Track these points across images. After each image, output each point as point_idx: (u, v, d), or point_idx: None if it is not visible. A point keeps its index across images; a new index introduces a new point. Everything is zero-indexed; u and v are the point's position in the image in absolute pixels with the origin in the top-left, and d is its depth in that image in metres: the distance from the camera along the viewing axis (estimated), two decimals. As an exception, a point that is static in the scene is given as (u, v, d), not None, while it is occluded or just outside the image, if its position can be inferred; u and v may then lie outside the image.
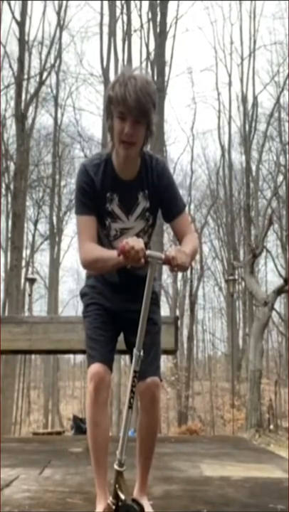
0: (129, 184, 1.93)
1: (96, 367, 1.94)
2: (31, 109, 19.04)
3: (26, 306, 20.60)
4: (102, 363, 1.95)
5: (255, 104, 21.44)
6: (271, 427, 17.04)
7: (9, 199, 20.56)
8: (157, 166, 1.96)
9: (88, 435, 1.99)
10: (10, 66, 18.15)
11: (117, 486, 1.83)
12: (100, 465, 1.99)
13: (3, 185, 20.04)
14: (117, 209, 1.94)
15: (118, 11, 18.87)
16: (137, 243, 1.74)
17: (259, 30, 30.56)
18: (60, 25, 19.70)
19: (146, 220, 1.98)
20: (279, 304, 23.14)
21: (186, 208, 2.05)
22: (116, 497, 1.83)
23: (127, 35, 18.10)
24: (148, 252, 1.78)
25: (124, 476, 1.85)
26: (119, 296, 2.05)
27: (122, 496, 1.80)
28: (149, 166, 1.95)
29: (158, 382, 1.99)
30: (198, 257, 26.56)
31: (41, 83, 18.77)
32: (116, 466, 1.86)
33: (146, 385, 1.95)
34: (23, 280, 19.40)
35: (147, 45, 18.09)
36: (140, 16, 18.84)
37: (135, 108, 1.78)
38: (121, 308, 2.05)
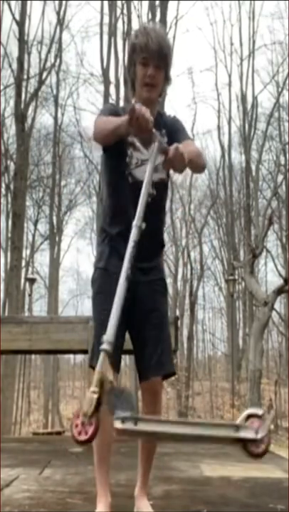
0: None
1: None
2: (31, 109, 19.03)
3: (26, 306, 20.60)
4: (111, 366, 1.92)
5: (254, 105, 21.45)
6: (271, 426, 17.05)
7: (9, 199, 20.56)
8: (169, 118, 2.16)
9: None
10: (10, 66, 18.16)
11: (103, 368, 1.54)
12: (103, 461, 1.97)
13: (3, 185, 20.05)
14: (137, 141, 1.99)
15: (118, 11, 18.87)
16: (148, 113, 1.81)
17: (259, 30, 30.54)
18: (60, 25, 19.69)
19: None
20: (279, 304, 23.15)
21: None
22: (101, 384, 1.52)
23: (127, 35, 18.09)
24: (154, 130, 1.86)
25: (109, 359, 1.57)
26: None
27: (111, 379, 1.54)
28: (164, 115, 2.16)
29: (160, 380, 2.01)
30: (198, 256, 26.62)
31: (41, 83, 18.76)
32: (103, 346, 1.57)
33: (149, 384, 1.96)
34: (23, 280, 19.39)
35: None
36: (140, 16, 18.83)
37: (157, 52, 1.98)
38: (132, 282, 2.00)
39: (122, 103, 18.06)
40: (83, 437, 1.45)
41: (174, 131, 2.08)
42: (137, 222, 1.75)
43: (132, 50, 2.05)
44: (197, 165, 1.99)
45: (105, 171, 2.14)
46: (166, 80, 2.07)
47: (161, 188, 2.05)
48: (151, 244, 2.03)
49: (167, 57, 2.02)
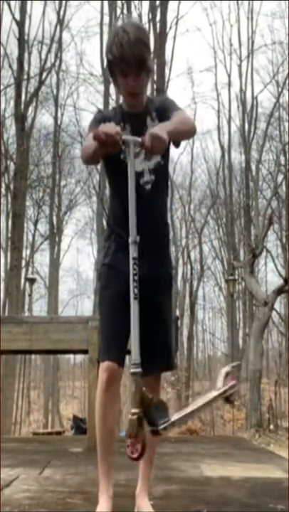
0: (138, 114, 2.10)
1: (110, 363, 1.95)
2: (31, 109, 19.03)
3: (26, 306, 20.60)
4: (115, 361, 1.95)
5: (254, 105, 21.45)
6: (271, 427, 17.04)
7: (9, 199, 20.56)
8: (159, 100, 2.19)
9: (96, 420, 1.98)
10: (10, 66, 18.16)
11: (137, 389, 1.74)
12: (107, 452, 1.98)
13: (3, 185, 20.04)
14: (130, 137, 2.02)
15: (118, 11, 18.86)
16: (111, 128, 1.85)
17: (260, 29, 30.48)
18: (60, 25, 19.68)
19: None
20: (279, 304, 23.16)
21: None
22: (140, 404, 1.72)
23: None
24: (124, 136, 1.90)
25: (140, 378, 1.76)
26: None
27: (149, 396, 1.74)
28: (153, 100, 2.17)
29: (159, 377, 2.05)
30: (198, 256, 26.61)
31: (41, 83, 18.75)
32: (132, 369, 1.75)
33: (148, 380, 1.96)
34: (23, 280, 19.39)
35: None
36: (140, 16, 18.81)
37: (134, 61, 1.94)
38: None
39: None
40: (135, 455, 1.71)
41: (163, 110, 2.10)
42: (131, 239, 1.84)
43: (108, 63, 2.03)
44: (182, 133, 2.03)
45: (105, 169, 2.20)
46: (148, 73, 2.04)
47: (158, 170, 2.09)
48: (156, 233, 2.07)
49: (145, 60, 1.98)
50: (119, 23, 2.08)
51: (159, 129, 1.88)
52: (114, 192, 2.16)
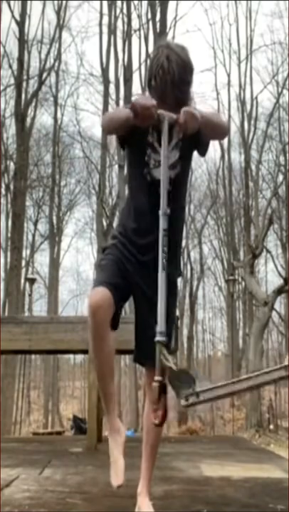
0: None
1: (100, 288, 1.90)
2: (31, 108, 19.04)
3: (26, 306, 20.60)
4: (107, 288, 1.89)
5: (253, 105, 21.46)
6: (271, 427, 17.05)
7: (9, 199, 20.56)
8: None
9: (92, 351, 1.97)
10: (10, 66, 18.16)
11: (161, 357, 1.77)
12: (108, 383, 1.99)
13: (3, 185, 20.04)
14: (156, 143, 2.03)
15: (118, 11, 18.87)
16: (148, 100, 1.86)
17: (260, 29, 30.48)
18: (60, 25, 19.68)
19: (179, 150, 2.07)
20: (279, 304, 23.15)
21: None
22: (162, 372, 1.77)
23: (127, 35, 18.10)
24: (160, 110, 1.90)
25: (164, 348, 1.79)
26: (143, 260, 2.03)
27: (171, 365, 1.75)
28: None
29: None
30: (198, 256, 26.64)
31: (41, 83, 18.76)
32: (157, 338, 1.79)
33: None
34: (23, 280, 19.39)
35: (147, 46, 18.10)
36: (139, 16, 18.83)
37: (172, 101, 1.94)
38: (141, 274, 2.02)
39: (121, 103, 18.07)
40: (157, 421, 1.76)
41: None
42: (162, 211, 1.89)
43: (148, 82, 2.02)
44: (214, 124, 2.03)
45: (127, 167, 2.20)
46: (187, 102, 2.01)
47: (177, 181, 2.06)
48: (170, 244, 2.00)
49: (184, 100, 1.97)
50: (165, 43, 2.02)
51: (193, 109, 1.92)
52: (132, 188, 2.12)
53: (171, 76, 1.92)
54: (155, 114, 1.88)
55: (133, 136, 2.02)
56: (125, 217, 2.12)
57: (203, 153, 2.14)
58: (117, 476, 1.96)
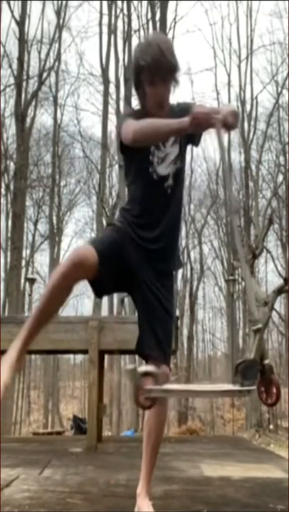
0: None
1: (87, 247, 1.90)
2: (31, 108, 19.03)
3: (26, 306, 20.60)
4: (97, 251, 1.87)
5: (253, 105, 21.45)
6: (271, 427, 17.05)
7: (9, 199, 20.56)
8: (182, 104, 2.17)
9: (49, 287, 1.93)
10: (10, 66, 18.16)
11: (259, 344, 1.87)
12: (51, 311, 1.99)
13: (3, 185, 20.04)
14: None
15: (118, 11, 18.87)
16: (205, 109, 1.92)
17: (259, 30, 30.60)
18: (60, 25, 19.68)
19: (179, 144, 2.12)
20: (279, 304, 23.15)
21: None
22: (261, 357, 1.88)
23: (127, 35, 18.10)
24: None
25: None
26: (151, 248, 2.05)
27: (256, 355, 1.85)
28: (175, 106, 2.15)
29: (168, 371, 2.01)
30: (198, 256, 26.65)
31: (41, 83, 18.75)
32: (253, 327, 1.89)
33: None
34: (23, 280, 19.40)
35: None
36: (139, 17, 18.83)
37: (164, 70, 1.98)
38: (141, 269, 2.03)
39: (121, 103, 18.07)
40: (270, 400, 1.91)
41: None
42: (234, 210, 1.96)
43: (137, 71, 2.04)
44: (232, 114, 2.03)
45: (128, 171, 2.16)
46: (175, 84, 2.07)
47: (179, 175, 2.12)
48: (172, 235, 2.11)
49: (175, 70, 2.02)
50: (148, 36, 2.09)
51: (233, 107, 2.00)
52: (138, 189, 2.11)
53: (160, 46, 1.97)
54: (213, 122, 1.89)
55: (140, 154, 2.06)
56: (129, 214, 2.11)
57: (197, 143, 2.21)
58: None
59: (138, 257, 2.02)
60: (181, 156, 2.12)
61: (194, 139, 2.18)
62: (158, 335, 2.01)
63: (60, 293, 1.92)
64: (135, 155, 2.09)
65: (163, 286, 2.07)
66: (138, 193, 2.12)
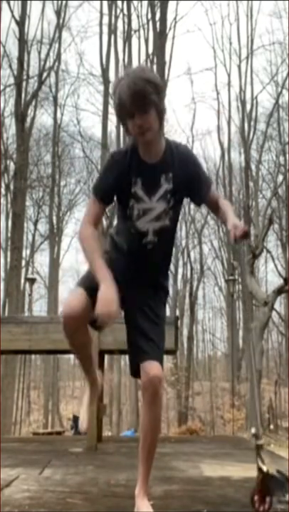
0: (153, 167, 2.01)
1: (78, 291, 1.97)
2: (31, 108, 19.04)
3: (26, 306, 20.61)
4: (85, 291, 1.94)
5: (254, 105, 21.45)
6: (271, 427, 17.05)
7: (9, 199, 20.56)
8: (181, 152, 2.05)
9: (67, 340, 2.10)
10: (10, 66, 18.16)
11: (258, 460, 1.96)
12: (86, 360, 2.20)
13: (3, 185, 20.05)
14: (140, 191, 2.01)
15: (118, 11, 18.87)
16: (107, 305, 1.83)
17: (258, 31, 30.65)
18: (60, 25, 19.67)
19: (167, 202, 2.03)
20: (279, 304, 23.16)
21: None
22: (259, 470, 1.96)
23: (127, 35, 18.10)
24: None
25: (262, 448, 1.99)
26: (129, 269, 2.08)
27: (265, 468, 1.94)
28: (174, 151, 2.03)
29: (161, 376, 1.98)
30: (198, 256, 26.66)
31: (41, 83, 18.75)
32: (254, 441, 1.99)
33: (149, 379, 1.95)
34: (23, 280, 19.40)
35: (147, 46, 18.10)
36: (139, 17, 18.83)
37: (134, 101, 1.85)
38: (130, 287, 2.07)
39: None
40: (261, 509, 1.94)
41: (189, 175, 2.03)
42: (247, 325, 2.03)
43: (116, 110, 1.95)
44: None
45: (117, 204, 2.12)
46: (160, 112, 1.92)
47: (163, 233, 2.06)
48: (153, 282, 2.12)
49: (147, 96, 1.85)
50: (125, 70, 2.04)
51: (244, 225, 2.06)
52: (120, 233, 2.12)
53: (129, 77, 1.87)
54: (116, 313, 1.85)
55: (116, 190, 2.02)
56: (115, 244, 2.14)
57: (200, 203, 2.19)
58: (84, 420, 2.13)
59: (124, 278, 2.04)
60: (168, 213, 2.04)
61: (196, 199, 2.14)
62: (148, 334, 2.03)
63: (75, 341, 2.09)
64: (119, 204, 2.07)
65: (150, 299, 2.09)
66: (122, 235, 2.11)
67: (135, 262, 2.07)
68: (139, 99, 1.85)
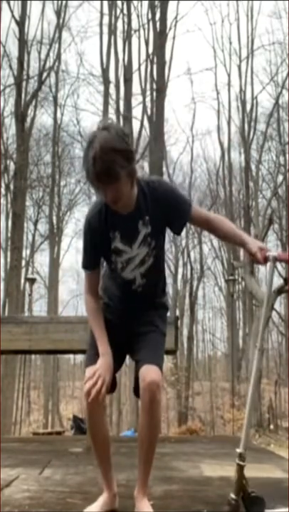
0: (128, 217, 2.00)
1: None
2: (31, 108, 19.02)
3: (26, 306, 20.60)
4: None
5: (254, 104, 21.43)
6: (271, 427, 17.05)
7: (9, 199, 20.55)
8: (152, 191, 2.01)
9: (88, 434, 2.09)
10: (10, 66, 18.15)
11: (239, 481, 1.96)
12: (104, 461, 2.13)
13: (3, 185, 20.04)
14: (120, 244, 2.03)
15: (118, 11, 18.86)
16: (100, 381, 1.94)
17: (258, 31, 30.66)
18: (60, 25, 19.66)
19: (148, 245, 2.04)
20: (279, 304, 23.17)
21: (192, 203, 2.09)
22: (239, 492, 1.95)
23: (127, 35, 18.10)
24: (269, 253, 2.01)
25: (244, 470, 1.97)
26: (126, 316, 2.14)
27: (248, 490, 1.95)
28: (146, 192, 2.00)
29: (158, 381, 1.94)
30: (198, 256, 26.65)
31: (41, 83, 18.74)
32: (238, 461, 1.97)
33: (147, 384, 1.93)
34: (23, 280, 19.38)
35: (147, 46, 18.09)
36: (139, 16, 18.82)
37: (102, 178, 1.83)
38: (126, 324, 2.13)
39: (121, 103, 18.06)
40: None
41: (166, 209, 2.00)
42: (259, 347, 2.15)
43: (88, 181, 1.94)
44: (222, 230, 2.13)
45: (105, 259, 2.14)
46: (130, 175, 1.90)
47: (151, 271, 2.08)
48: (146, 307, 2.15)
49: (117, 169, 1.82)
50: (93, 132, 1.89)
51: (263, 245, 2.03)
52: (111, 277, 2.15)
53: (94, 151, 1.81)
54: (106, 389, 1.94)
55: (101, 252, 2.06)
56: (103, 295, 2.18)
57: (179, 233, 2.15)
58: None
59: (122, 319, 2.12)
60: (152, 253, 2.05)
61: (175, 230, 2.12)
62: (147, 343, 2.05)
63: (98, 432, 2.11)
64: (105, 260, 2.11)
65: (148, 316, 2.12)
66: (112, 282, 2.14)
67: (130, 303, 2.11)
68: (107, 175, 1.82)
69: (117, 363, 2.08)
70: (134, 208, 1.99)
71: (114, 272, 2.07)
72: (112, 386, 2.02)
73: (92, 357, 2.04)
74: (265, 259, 2.01)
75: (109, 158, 1.80)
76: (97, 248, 2.04)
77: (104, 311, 2.12)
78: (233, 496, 1.94)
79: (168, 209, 2.00)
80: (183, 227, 2.08)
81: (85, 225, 2.05)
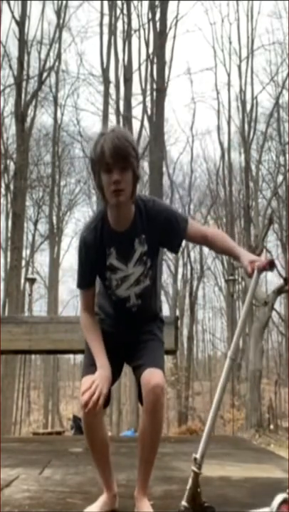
0: (124, 234, 1.99)
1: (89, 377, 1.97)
2: (31, 108, 19.03)
3: (26, 306, 20.60)
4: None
5: (254, 104, 21.44)
6: (271, 427, 17.05)
7: (9, 199, 20.56)
8: (149, 210, 2.00)
9: (86, 442, 2.06)
10: (10, 66, 18.15)
11: (193, 488, 1.87)
12: (103, 465, 2.11)
13: (3, 185, 20.05)
14: (115, 261, 2.01)
15: (118, 11, 18.86)
16: (98, 389, 1.88)
17: (258, 31, 30.68)
18: (60, 25, 19.67)
19: (144, 264, 2.02)
20: (279, 304, 23.18)
21: (189, 219, 2.07)
22: (192, 500, 1.87)
23: (127, 35, 18.10)
24: (256, 263, 1.96)
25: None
26: (123, 330, 2.12)
27: (201, 499, 1.87)
28: (143, 211, 2.00)
29: (163, 385, 1.94)
30: (198, 257, 26.68)
31: (41, 83, 18.75)
32: (193, 468, 1.88)
33: (152, 387, 1.92)
34: (23, 280, 19.39)
35: (147, 46, 18.10)
36: (139, 16, 18.82)
37: (116, 155, 1.84)
38: (123, 337, 2.12)
39: (121, 103, 18.07)
40: None
41: (162, 229, 1.99)
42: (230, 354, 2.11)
43: (92, 163, 1.92)
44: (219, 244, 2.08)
45: (99, 276, 2.12)
46: (135, 178, 1.91)
47: (146, 292, 2.07)
48: (138, 321, 2.13)
49: (128, 154, 1.86)
50: (103, 128, 1.95)
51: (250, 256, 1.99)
52: (105, 295, 2.13)
53: (113, 133, 1.86)
54: (103, 396, 1.88)
55: (96, 270, 2.04)
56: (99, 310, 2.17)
57: (177, 251, 2.16)
58: None
59: (119, 337, 2.10)
60: (147, 274, 2.04)
61: (172, 249, 2.12)
62: (147, 350, 2.04)
63: (96, 436, 2.04)
64: (100, 277, 2.09)
65: (146, 327, 2.11)
66: (106, 300, 2.13)
67: (125, 321, 2.10)
68: (121, 155, 1.84)
69: (114, 376, 2.05)
70: (131, 226, 1.98)
71: (109, 289, 2.05)
72: (106, 401, 1.97)
73: (89, 367, 2.02)
74: (253, 271, 1.99)
75: (125, 143, 1.86)
76: (92, 265, 2.02)
77: (101, 323, 2.11)
78: (184, 503, 1.87)
79: (164, 230, 2.00)
80: (180, 245, 2.08)
81: (80, 242, 2.03)
